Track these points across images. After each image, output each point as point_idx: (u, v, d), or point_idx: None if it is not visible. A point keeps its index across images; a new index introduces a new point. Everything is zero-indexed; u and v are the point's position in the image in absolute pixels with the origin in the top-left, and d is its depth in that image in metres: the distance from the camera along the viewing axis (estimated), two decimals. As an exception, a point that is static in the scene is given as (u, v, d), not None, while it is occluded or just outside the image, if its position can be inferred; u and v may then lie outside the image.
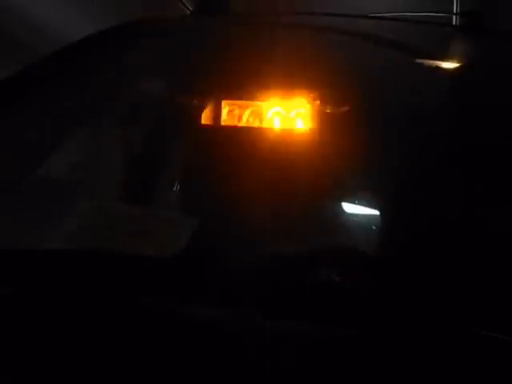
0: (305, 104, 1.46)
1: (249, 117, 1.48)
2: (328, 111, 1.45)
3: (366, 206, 1.40)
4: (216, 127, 1.49)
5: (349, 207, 1.41)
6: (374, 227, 1.35)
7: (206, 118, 1.49)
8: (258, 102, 1.47)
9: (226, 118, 1.48)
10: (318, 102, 1.45)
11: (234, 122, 1.49)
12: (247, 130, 1.48)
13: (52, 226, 1.38)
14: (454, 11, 2.38)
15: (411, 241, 1.21)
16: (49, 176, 1.51)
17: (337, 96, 1.45)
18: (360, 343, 0.94)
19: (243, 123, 1.48)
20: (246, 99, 1.48)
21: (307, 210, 1.30)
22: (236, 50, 1.59)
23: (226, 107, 1.48)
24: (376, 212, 1.40)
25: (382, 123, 1.40)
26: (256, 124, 1.47)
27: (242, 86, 1.48)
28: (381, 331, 0.95)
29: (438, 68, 1.58)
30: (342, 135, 1.41)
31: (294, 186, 1.30)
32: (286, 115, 1.46)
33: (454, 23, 2.27)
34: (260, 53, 1.53)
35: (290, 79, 1.47)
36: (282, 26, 1.73)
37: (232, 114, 1.48)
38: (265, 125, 1.47)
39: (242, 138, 1.45)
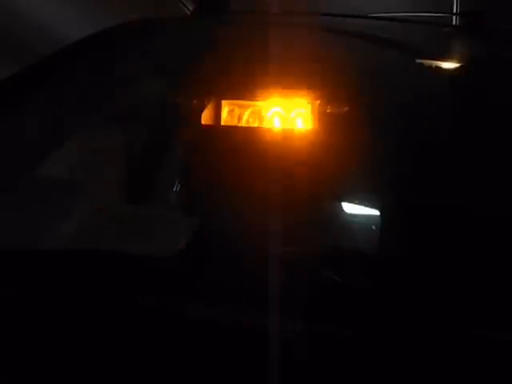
0: (305, 104, 1.46)
1: (249, 117, 1.48)
2: (328, 111, 1.45)
3: (366, 206, 1.40)
4: (216, 127, 1.49)
5: (349, 207, 1.41)
6: (373, 227, 1.35)
7: (205, 117, 1.49)
8: (258, 102, 1.47)
9: (226, 118, 1.48)
10: (318, 102, 1.45)
11: (234, 122, 1.48)
12: (247, 130, 1.48)
13: (52, 226, 1.38)
14: (454, 11, 2.38)
15: (411, 241, 1.21)
16: (49, 176, 1.51)
17: (337, 96, 1.45)
18: (360, 343, 0.94)
19: (243, 123, 1.48)
20: (246, 99, 1.48)
21: (307, 209, 1.30)
22: (236, 49, 1.59)
23: (225, 107, 1.48)
24: (376, 212, 1.40)
25: (382, 123, 1.40)
26: (256, 124, 1.47)
27: (242, 86, 1.48)
28: (381, 331, 0.95)
29: (438, 68, 1.58)
30: (343, 135, 1.41)
31: (294, 186, 1.30)
32: (286, 115, 1.46)
33: (453, 23, 2.27)
34: (260, 53, 1.53)
35: (291, 79, 1.47)
36: (282, 26, 1.73)
37: (232, 113, 1.48)
38: (265, 125, 1.47)
39: (242, 138, 1.45)
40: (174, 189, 1.58)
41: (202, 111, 1.48)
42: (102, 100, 1.65)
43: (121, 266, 1.07)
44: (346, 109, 1.45)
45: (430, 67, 1.57)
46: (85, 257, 1.10)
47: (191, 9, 2.98)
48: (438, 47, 1.69)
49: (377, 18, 2.11)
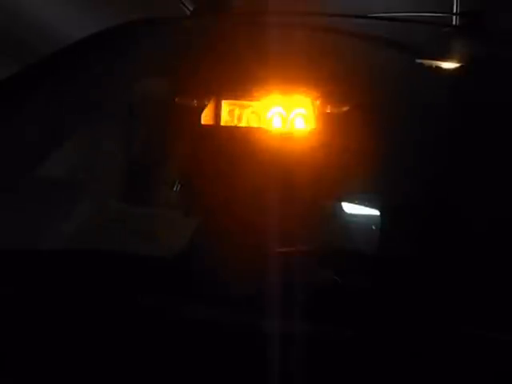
0: (305, 104, 1.46)
1: (249, 117, 1.48)
2: (328, 111, 1.45)
3: (365, 206, 1.40)
4: (216, 127, 1.49)
5: (349, 207, 1.41)
6: (373, 227, 1.35)
7: (205, 117, 1.49)
8: (258, 102, 1.47)
9: (226, 118, 1.48)
10: (318, 102, 1.45)
11: (234, 122, 1.49)
12: (247, 130, 1.48)
13: (52, 226, 1.38)
14: (454, 11, 2.38)
15: (411, 241, 1.21)
16: (49, 176, 1.51)
17: (337, 96, 1.45)
18: (360, 343, 0.94)
19: (243, 123, 1.48)
20: (246, 99, 1.48)
21: (307, 209, 1.30)
22: (236, 49, 1.59)
23: (226, 107, 1.48)
24: (376, 212, 1.40)
25: (382, 123, 1.40)
26: (256, 124, 1.47)
27: (242, 86, 1.48)
28: (381, 331, 0.95)
29: (438, 68, 1.58)
30: (343, 135, 1.41)
31: (294, 186, 1.30)
32: (286, 115, 1.46)
33: (454, 23, 2.27)
34: (260, 52, 1.53)
35: (291, 79, 1.47)
36: (282, 26, 1.73)
37: (232, 113, 1.48)
38: (265, 125, 1.47)
39: (242, 138, 1.45)
40: (174, 189, 1.59)
41: (202, 111, 1.48)
42: (102, 100, 1.65)
43: (121, 265, 1.07)
44: (346, 109, 1.45)
45: (430, 67, 1.57)
46: (85, 257, 1.10)
47: (191, 9, 2.98)
48: (438, 47, 1.69)
49: (377, 18, 2.11)
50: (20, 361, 0.91)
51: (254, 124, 1.48)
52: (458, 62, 1.66)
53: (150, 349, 0.91)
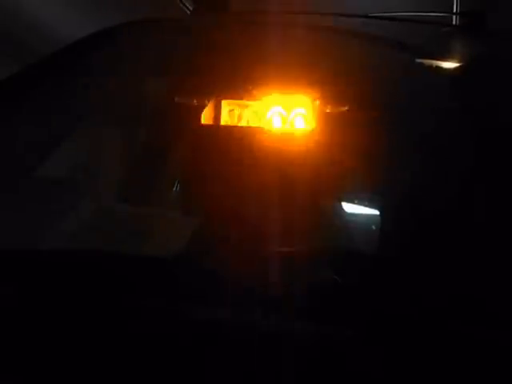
0: (305, 104, 1.46)
1: (249, 117, 1.48)
2: (328, 111, 1.45)
3: (365, 206, 1.40)
4: (216, 127, 1.49)
5: (349, 207, 1.41)
6: (373, 227, 1.35)
7: (205, 117, 1.49)
8: (258, 102, 1.47)
9: (226, 118, 1.48)
10: (318, 102, 1.45)
11: (234, 122, 1.49)
12: (247, 130, 1.48)
13: (52, 225, 1.38)
14: (454, 11, 2.38)
15: (411, 241, 1.21)
16: (49, 176, 1.51)
17: (337, 96, 1.45)
18: (359, 343, 0.94)
19: (243, 123, 1.48)
20: (246, 99, 1.48)
21: (307, 209, 1.30)
22: (236, 49, 1.59)
23: (225, 107, 1.48)
24: (376, 212, 1.40)
25: (381, 123, 1.40)
26: (256, 124, 1.47)
27: (242, 86, 1.48)
28: (381, 331, 0.95)
29: (438, 68, 1.58)
30: (342, 135, 1.41)
31: (294, 186, 1.30)
32: (285, 115, 1.46)
33: (454, 23, 2.27)
34: (260, 52, 1.53)
35: (291, 79, 1.47)
36: (281, 26, 1.73)
37: (232, 113, 1.48)
38: (265, 125, 1.47)
39: (241, 138, 1.45)
40: (174, 189, 1.59)
41: (202, 111, 1.48)
42: (102, 100, 1.65)
43: (121, 266, 1.07)
44: (346, 108, 1.45)
45: (430, 67, 1.57)
46: (85, 257, 1.10)
47: (191, 9, 2.99)
48: (438, 47, 1.69)
49: (377, 18, 2.11)
50: (20, 361, 0.91)
51: (254, 124, 1.47)
52: (457, 62, 1.66)
53: (150, 349, 0.91)
